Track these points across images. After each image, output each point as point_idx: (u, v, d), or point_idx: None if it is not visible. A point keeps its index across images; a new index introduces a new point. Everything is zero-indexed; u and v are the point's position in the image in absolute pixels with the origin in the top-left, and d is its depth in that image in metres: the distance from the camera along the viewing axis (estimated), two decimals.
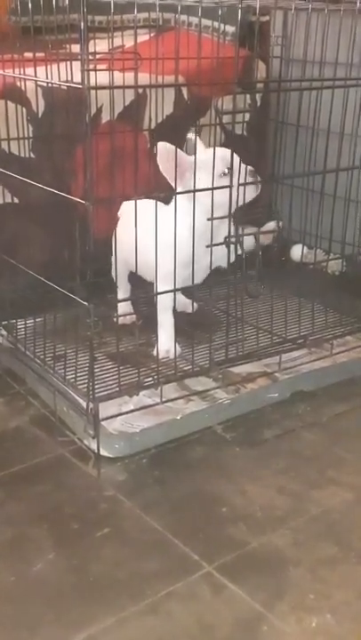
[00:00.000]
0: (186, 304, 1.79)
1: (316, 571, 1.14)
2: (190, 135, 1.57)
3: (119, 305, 1.68)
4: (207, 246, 1.45)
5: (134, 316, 1.69)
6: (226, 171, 1.48)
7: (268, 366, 1.62)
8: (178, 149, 1.43)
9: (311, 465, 1.39)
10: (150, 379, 1.47)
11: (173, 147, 1.42)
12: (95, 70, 1.24)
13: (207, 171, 1.45)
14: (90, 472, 1.35)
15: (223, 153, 1.48)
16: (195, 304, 1.80)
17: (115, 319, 1.57)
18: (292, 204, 1.64)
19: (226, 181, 1.47)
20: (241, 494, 1.30)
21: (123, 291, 1.75)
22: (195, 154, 1.51)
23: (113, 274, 1.59)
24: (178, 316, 1.71)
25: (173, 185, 1.43)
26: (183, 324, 1.69)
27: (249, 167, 1.50)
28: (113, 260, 1.58)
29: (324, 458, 1.41)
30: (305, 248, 1.93)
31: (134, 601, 1.07)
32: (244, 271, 1.54)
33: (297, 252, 1.97)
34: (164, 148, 1.42)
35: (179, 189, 1.44)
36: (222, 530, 1.22)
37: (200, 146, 1.56)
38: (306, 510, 1.26)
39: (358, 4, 1.52)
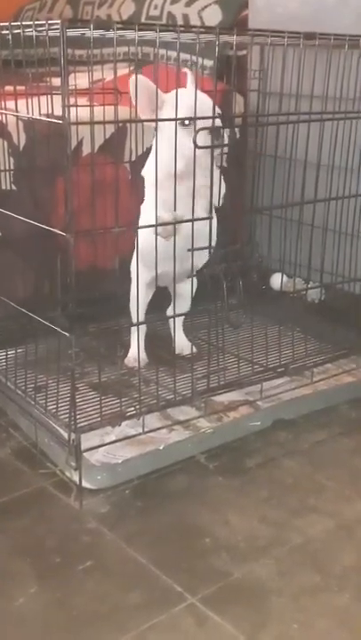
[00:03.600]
0: (184, 346, 1.76)
1: (298, 600, 1.14)
2: (185, 69, 1.52)
3: (135, 350, 1.67)
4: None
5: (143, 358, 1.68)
6: (186, 122, 1.45)
7: (250, 394, 1.63)
8: (154, 85, 1.43)
9: (293, 493, 1.39)
10: (132, 409, 1.47)
11: (149, 81, 1.41)
12: (76, 106, 1.26)
13: (173, 114, 1.41)
14: (72, 504, 1.34)
15: (188, 101, 1.41)
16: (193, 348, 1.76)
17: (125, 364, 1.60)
18: (272, 233, 1.67)
19: (185, 132, 1.44)
20: (224, 524, 1.30)
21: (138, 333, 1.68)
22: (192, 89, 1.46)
23: (132, 313, 1.57)
24: (161, 345, 1.72)
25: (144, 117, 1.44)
26: (165, 352, 1.70)
27: (217, 122, 1.43)
28: (133, 293, 1.58)
29: (306, 486, 1.42)
30: (284, 277, 1.95)
31: (117, 634, 1.07)
32: (225, 300, 1.56)
33: (277, 280, 1.99)
34: (140, 81, 1.40)
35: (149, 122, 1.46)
36: (205, 560, 1.21)
37: (191, 83, 1.51)
38: (288, 539, 1.27)
39: (332, 39, 1.55)
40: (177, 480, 1.42)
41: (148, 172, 1.58)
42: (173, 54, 1.44)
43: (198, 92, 1.44)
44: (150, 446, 1.45)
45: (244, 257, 1.78)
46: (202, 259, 1.55)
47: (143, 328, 1.69)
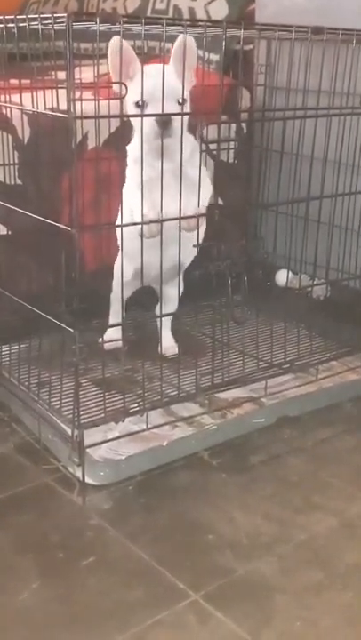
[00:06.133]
0: (168, 347, 1.74)
1: (302, 598, 1.13)
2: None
3: (109, 330, 1.67)
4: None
5: (120, 342, 1.68)
6: (140, 102, 1.40)
7: (255, 391, 1.62)
8: (129, 47, 1.38)
9: (297, 490, 1.39)
10: (136, 405, 1.47)
11: (130, 47, 1.37)
12: (81, 100, 1.25)
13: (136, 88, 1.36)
14: (75, 500, 1.34)
15: (150, 81, 1.34)
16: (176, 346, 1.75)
17: (101, 344, 1.57)
18: (277, 229, 1.66)
19: (137, 111, 1.40)
20: (227, 521, 1.30)
21: (115, 315, 1.69)
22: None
23: (112, 296, 1.62)
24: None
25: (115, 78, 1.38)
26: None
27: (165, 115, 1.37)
28: (115, 280, 1.61)
29: (310, 483, 1.41)
30: (290, 273, 1.94)
31: (120, 630, 1.06)
32: (229, 296, 1.55)
33: (282, 277, 1.98)
34: (118, 44, 1.34)
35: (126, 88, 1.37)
36: (208, 557, 1.21)
37: (173, 59, 1.44)
38: (291, 536, 1.26)
39: (340, 34, 1.54)
40: (180, 477, 1.42)
41: (132, 148, 1.53)
42: None
43: (169, 73, 1.38)
44: (154, 442, 1.45)
45: (250, 253, 1.78)
46: (188, 255, 1.54)
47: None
